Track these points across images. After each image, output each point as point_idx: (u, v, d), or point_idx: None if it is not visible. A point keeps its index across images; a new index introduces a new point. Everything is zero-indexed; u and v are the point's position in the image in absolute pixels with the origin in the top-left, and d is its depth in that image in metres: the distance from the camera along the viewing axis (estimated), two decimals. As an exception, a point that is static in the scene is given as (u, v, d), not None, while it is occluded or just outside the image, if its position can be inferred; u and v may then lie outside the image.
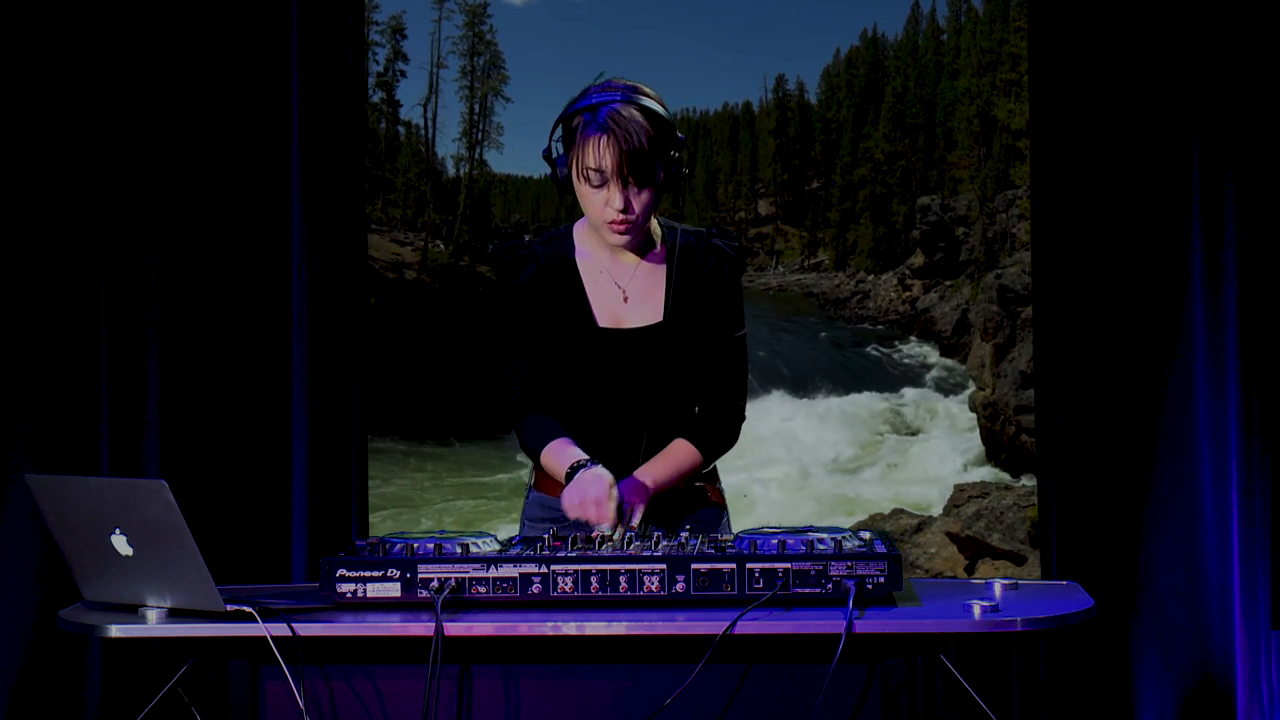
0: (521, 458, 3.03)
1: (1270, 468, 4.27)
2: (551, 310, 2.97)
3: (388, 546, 2.58)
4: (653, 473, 2.91)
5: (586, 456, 2.83)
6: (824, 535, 2.55)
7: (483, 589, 2.51)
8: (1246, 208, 4.30)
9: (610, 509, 2.72)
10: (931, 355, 5.95)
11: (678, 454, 2.96)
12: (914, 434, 5.84)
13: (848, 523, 5.48)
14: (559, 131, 2.91)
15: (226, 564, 3.38)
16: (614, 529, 2.69)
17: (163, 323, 4.42)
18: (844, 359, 6.18)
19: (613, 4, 5.85)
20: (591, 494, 2.73)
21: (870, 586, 2.46)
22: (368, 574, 2.53)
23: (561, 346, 2.97)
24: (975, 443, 5.71)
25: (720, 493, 3.11)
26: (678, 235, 2.99)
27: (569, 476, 2.81)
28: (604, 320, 2.97)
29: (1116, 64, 4.40)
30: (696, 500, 3.05)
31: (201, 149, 4.47)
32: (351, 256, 4.58)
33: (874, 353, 6.11)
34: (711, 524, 3.04)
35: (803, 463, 5.87)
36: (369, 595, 2.53)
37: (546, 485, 3.02)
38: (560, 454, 2.87)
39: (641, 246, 2.99)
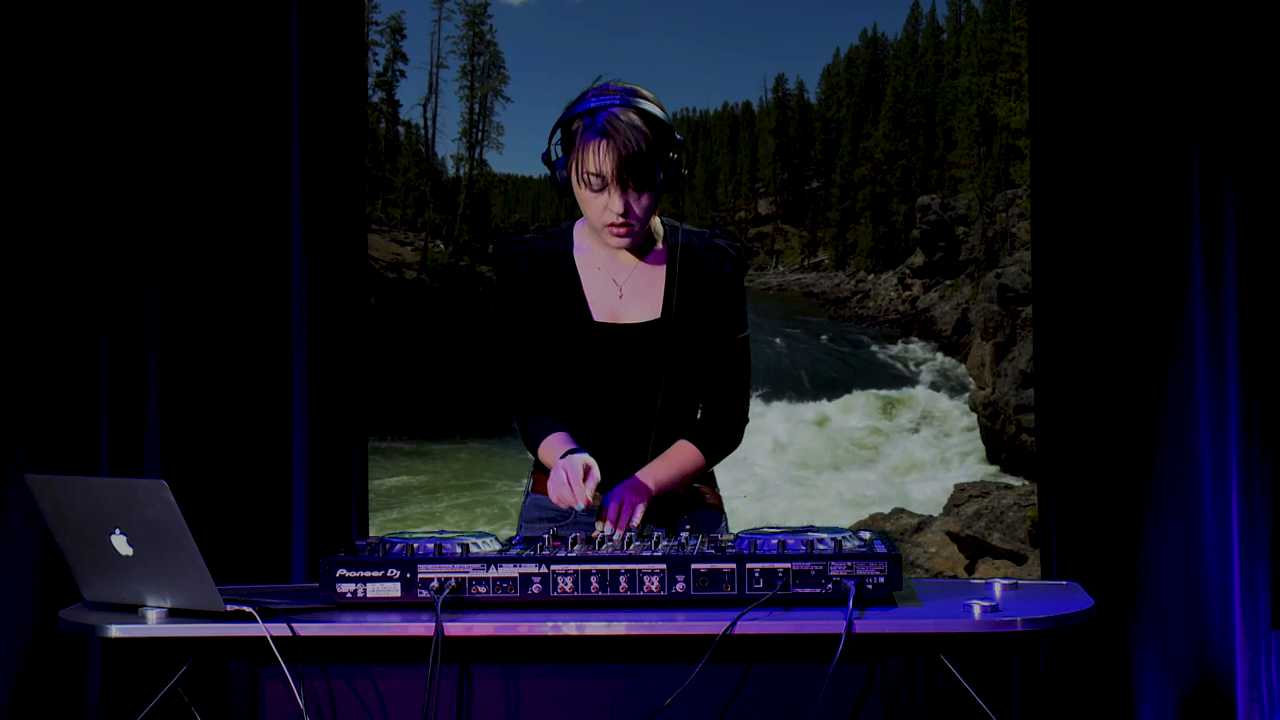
0: (522, 455, 3.03)
1: (1270, 468, 4.27)
2: (548, 304, 2.97)
3: (388, 546, 2.58)
4: (654, 474, 2.91)
5: (575, 446, 2.85)
6: (824, 535, 2.55)
7: (483, 589, 2.51)
8: (1246, 208, 4.29)
9: (585, 489, 2.73)
10: (931, 355, 5.96)
11: (680, 455, 2.96)
12: (914, 433, 5.84)
13: (848, 522, 5.48)
14: (558, 135, 2.91)
15: (226, 564, 3.38)
16: (587, 507, 2.72)
17: (163, 323, 4.42)
18: (844, 358, 6.18)
19: (612, 4, 5.85)
20: (562, 477, 2.76)
21: (870, 586, 2.46)
22: (368, 574, 2.53)
23: (559, 341, 2.97)
24: (975, 442, 5.71)
25: (718, 495, 3.10)
26: (679, 234, 2.99)
27: None
28: (600, 315, 2.96)
29: (1117, 63, 4.39)
30: (694, 502, 3.05)
31: (202, 149, 4.47)
32: (351, 257, 4.58)
33: (874, 352, 6.11)
34: (709, 526, 3.03)
35: (802, 462, 5.87)
36: (369, 595, 2.53)
37: (543, 487, 3.02)
38: (553, 447, 2.89)
39: (642, 246, 2.98)
